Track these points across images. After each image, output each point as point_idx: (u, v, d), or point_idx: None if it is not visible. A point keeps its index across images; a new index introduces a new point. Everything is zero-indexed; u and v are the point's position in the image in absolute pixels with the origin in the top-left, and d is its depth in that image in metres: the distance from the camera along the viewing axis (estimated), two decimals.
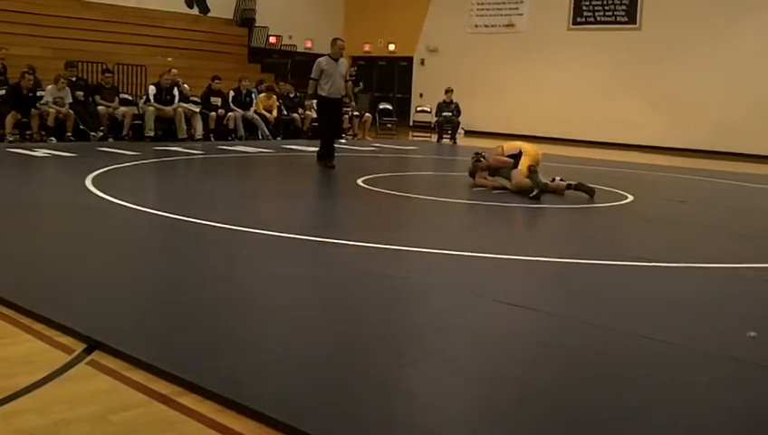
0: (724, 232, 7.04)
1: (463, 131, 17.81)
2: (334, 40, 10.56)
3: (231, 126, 14.60)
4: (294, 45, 20.97)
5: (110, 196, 7.11)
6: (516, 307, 4.11)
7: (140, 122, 13.46)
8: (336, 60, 10.33)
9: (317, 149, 10.75)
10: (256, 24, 20.02)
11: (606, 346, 3.57)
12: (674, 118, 17.04)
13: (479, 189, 8.92)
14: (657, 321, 3.99)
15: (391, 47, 22.29)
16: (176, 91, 13.77)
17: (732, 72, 16.24)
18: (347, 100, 10.28)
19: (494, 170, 9.12)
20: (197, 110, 14.10)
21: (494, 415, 2.79)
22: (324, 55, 10.55)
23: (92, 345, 3.24)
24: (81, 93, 12.99)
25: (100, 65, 14.23)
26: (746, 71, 16.07)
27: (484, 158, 9.30)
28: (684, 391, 3.04)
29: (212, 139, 14.09)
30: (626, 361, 3.39)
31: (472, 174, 9.41)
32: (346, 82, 10.51)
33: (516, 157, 8.89)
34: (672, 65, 17.05)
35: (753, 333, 3.69)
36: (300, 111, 15.97)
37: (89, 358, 3.13)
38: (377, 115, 18.29)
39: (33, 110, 12.23)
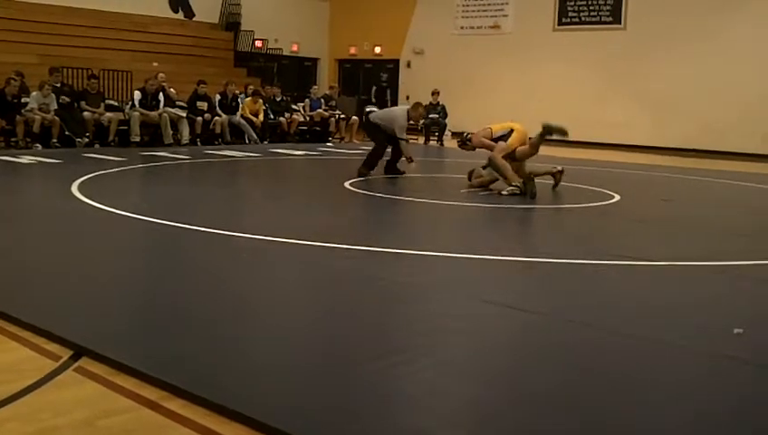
0: (711, 230, 7.07)
1: (450, 133, 17.84)
2: (417, 105, 10.58)
3: (217, 130, 14.57)
4: (280, 49, 20.95)
5: (97, 202, 7.07)
6: (506, 308, 4.12)
7: (126, 128, 13.42)
8: (409, 121, 10.25)
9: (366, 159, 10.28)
10: (242, 28, 19.99)
11: (595, 345, 3.58)
12: (660, 117, 17.13)
13: (468, 191, 8.93)
14: (645, 319, 4.01)
15: (377, 50, 22.31)
16: (161, 97, 13.73)
17: (718, 71, 16.34)
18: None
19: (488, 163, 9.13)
20: (184, 114, 14.05)
21: (485, 415, 2.79)
22: (402, 108, 10.48)
23: (79, 352, 3.23)
24: (67, 98, 12.92)
25: (85, 71, 14.16)
26: (732, 69, 16.17)
27: (469, 141, 9.31)
28: (674, 389, 3.05)
29: (198, 143, 14.06)
30: (615, 360, 3.40)
31: (470, 176, 9.41)
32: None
33: (505, 137, 8.88)
34: (658, 65, 17.14)
35: (739, 330, 3.71)
36: (286, 114, 15.96)
37: (76, 364, 3.12)
38: (363, 118, 18.30)
39: (18, 116, 12.15)
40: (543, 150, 9.20)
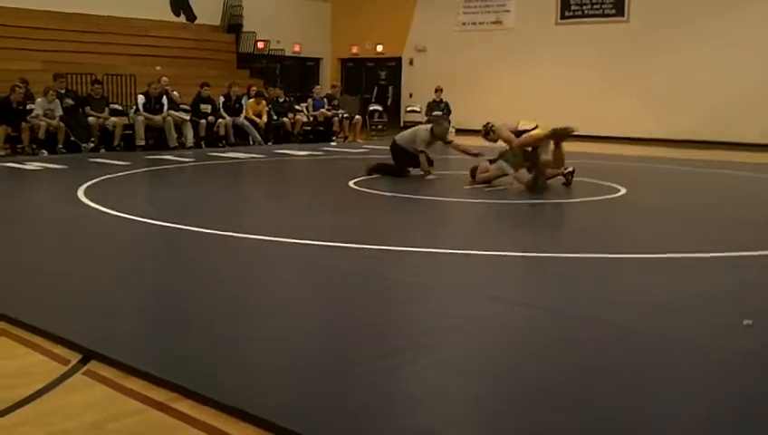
0: (718, 221, 7.05)
1: (453, 130, 17.81)
2: (440, 121, 10.43)
3: (221, 133, 14.59)
4: (282, 50, 20.97)
5: (103, 206, 7.10)
6: (513, 304, 4.11)
7: (131, 132, 13.45)
8: (435, 137, 10.12)
9: (375, 166, 10.23)
10: (244, 30, 20.01)
11: (603, 341, 3.55)
12: (665, 109, 17.06)
13: (471, 188, 8.93)
14: (653, 313, 3.98)
15: (379, 48, 22.30)
16: (164, 100, 13.76)
17: (722, 62, 16.27)
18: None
19: (498, 156, 9.14)
20: (187, 117, 14.08)
21: (491, 414, 2.78)
22: (425, 124, 10.37)
23: (88, 355, 3.24)
24: (71, 101, 12.97)
25: (89, 76, 14.20)
26: (735, 59, 16.10)
27: (493, 131, 9.27)
28: (686, 384, 3.02)
29: (203, 146, 14.08)
30: (624, 356, 3.36)
31: (473, 174, 9.40)
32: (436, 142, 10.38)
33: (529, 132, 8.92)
34: (661, 57, 17.08)
35: (748, 322, 3.69)
36: (289, 115, 15.97)
37: (85, 368, 3.14)
38: (367, 117, 18.33)
39: (23, 123, 12.20)
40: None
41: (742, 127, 15.91)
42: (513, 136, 8.99)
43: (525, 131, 8.93)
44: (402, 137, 10.38)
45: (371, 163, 10.34)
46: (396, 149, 10.25)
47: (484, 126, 9.44)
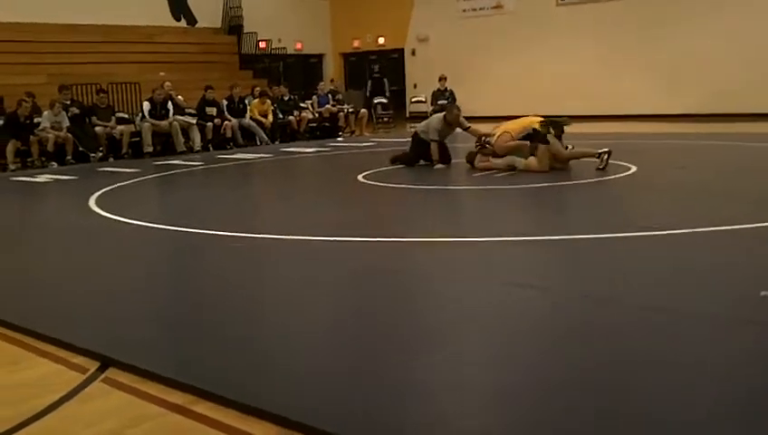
0: (730, 195, 6.97)
1: None
2: (451, 108, 10.48)
3: (228, 134, 14.61)
4: (284, 48, 20.96)
5: (114, 214, 7.12)
6: (528, 288, 4.08)
7: (138, 139, 13.50)
8: (450, 125, 10.08)
9: (399, 155, 10.43)
10: (245, 31, 20.02)
11: (623, 323, 3.49)
12: (670, 84, 16.93)
13: (481, 174, 8.89)
14: (673, 291, 3.93)
15: (381, 40, 22.24)
16: (170, 105, 13.79)
17: (725, 34, 16.12)
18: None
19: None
20: (194, 121, 14.11)
21: (509, 403, 2.75)
22: (439, 114, 10.35)
23: (105, 362, 3.25)
24: (77, 110, 13.02)
25: (93, 86, 14.24)
26: (738, 30, 15.95)
27: (489, 144, 9.26)
28: (707, 365, 2.96)
29: (211, 149, 14.11)
30: (644, 337, 3.30)
31: (470, 160, 9.39)
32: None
33: (531, 137, 8.88)
34: (664, 32, 16.95)
35: (765, 293, 3.64)
36: (295, 113, 15.96)
37: (103, 375, 3.15)
38: (372, 110, 18.29)
39: (31, 136, 12.27)
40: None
41: (750, 98, 15.75)
42: (516, 144, 8.94)
43: (528, 136, 8.91)
44: (419, 126, 10.47)
45: (396, 153, 10.46)
46: (416, 138, 10.32)
47: (478, 140, 9.41)
